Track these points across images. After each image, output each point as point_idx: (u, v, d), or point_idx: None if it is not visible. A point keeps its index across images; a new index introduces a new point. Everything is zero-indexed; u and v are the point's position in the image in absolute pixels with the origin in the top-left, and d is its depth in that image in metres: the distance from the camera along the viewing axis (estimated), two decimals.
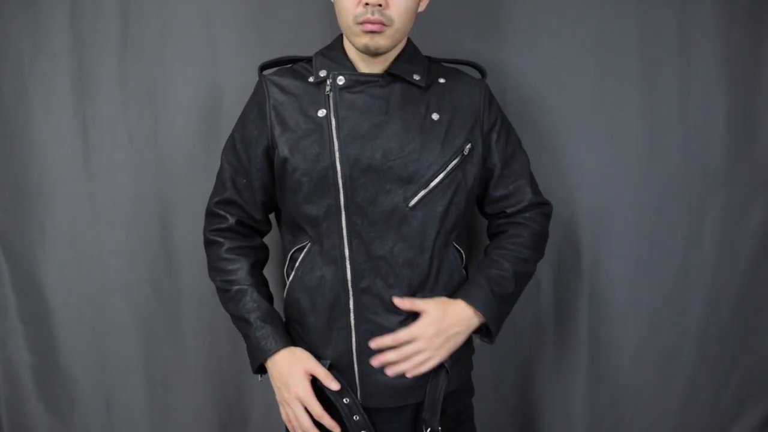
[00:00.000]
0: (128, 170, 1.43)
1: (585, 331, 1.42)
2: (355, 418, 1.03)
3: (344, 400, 1.03)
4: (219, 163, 1.28)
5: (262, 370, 1.11)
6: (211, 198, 1.17)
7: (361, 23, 0.99)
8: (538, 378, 1.47)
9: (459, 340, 1.05)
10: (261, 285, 1.13)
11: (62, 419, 1.50)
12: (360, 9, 0.98)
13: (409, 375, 1.02)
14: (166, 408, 1.50)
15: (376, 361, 1.02)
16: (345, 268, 1.03)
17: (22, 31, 1.39)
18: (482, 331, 1.08)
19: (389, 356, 1.02)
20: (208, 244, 1.16)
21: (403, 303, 1.03)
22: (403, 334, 1.01)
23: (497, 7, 1.36)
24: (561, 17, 1.35)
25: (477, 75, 1.21)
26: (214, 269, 1.14)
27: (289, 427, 1.07)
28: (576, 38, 1.35)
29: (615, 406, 1.45)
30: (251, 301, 1.08)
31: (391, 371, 1.02)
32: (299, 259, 1.08)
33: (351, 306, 1.04)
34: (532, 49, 1.36)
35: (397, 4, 0.99)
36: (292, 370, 1.03)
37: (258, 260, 1.15)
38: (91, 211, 1.44)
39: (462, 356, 1.12)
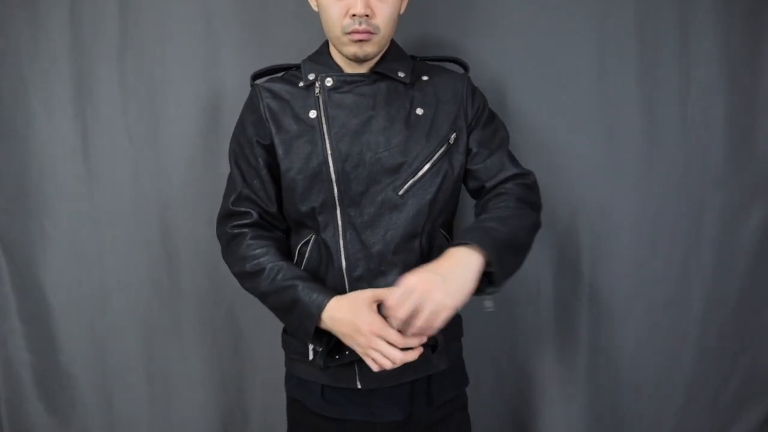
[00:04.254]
0: (128, 170, 1.43)
1: (585, 331, 1.42)
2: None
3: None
4: (219, 163, 1.28)
5: (318, 337, 1.03)
6: (225, 201, 1.16)
7: (349, 33, 1.04)
8: (538, 378, 1.47)
9: (464, 278, 0.95)
10: (293, 263, 1.10)
11: (62, 419, 1.50)
12: (347, 20, 1.03)
13: (430, 331, 0.95)
14: (166, 408, 1.50)
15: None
16: (340, 258, 1.07)
17: (22, 31, 1.39)
18: (485, 282, 0.99)
19: (399, 314, 0.93)
20: (232, 238, 1.13)
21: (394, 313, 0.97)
22: (397, 290, 0.93)
23: (496, 7, 1.36)
24: (561, 17, 1.35)
25: (460, 70, 1.21)
26: (241, 258, 1.10)
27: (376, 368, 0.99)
28: (576, 38, 1.35)
29: (615, 406, 1.45)
30: (289, 270, 1.06)
31: (414, 337, 0.95)
32: (307, 253, 1.11)
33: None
34: (532, 48, 1.36)
35: (383, 12, 1.04)
36: (356, 310, 0.97)
37: (282, 250, 1.13)
38: (91, 211, 1.44)
39: (449, 326, 1.02)
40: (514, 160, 1.16)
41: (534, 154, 1.37)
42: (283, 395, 1.22)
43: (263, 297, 1.09)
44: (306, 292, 1.02)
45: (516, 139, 1.32)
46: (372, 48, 1.06)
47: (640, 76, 1.36)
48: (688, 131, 1.38)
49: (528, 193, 1.13)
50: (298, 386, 1.17)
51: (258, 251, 1.09)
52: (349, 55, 1.07)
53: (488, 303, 1.01)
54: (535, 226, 1.11)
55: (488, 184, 1.13)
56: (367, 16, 1.02)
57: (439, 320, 0.93)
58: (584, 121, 1.37)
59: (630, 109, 1.37)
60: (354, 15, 1.02)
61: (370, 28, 1.03)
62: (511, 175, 1.13)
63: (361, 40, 1.04)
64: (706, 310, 1.43)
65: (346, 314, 0.99)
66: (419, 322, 0.93)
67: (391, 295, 0.94)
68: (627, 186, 1.39)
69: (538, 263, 1.42)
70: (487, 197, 1.14)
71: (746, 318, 1.44)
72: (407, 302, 0.92)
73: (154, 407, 1.50)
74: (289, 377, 1.20)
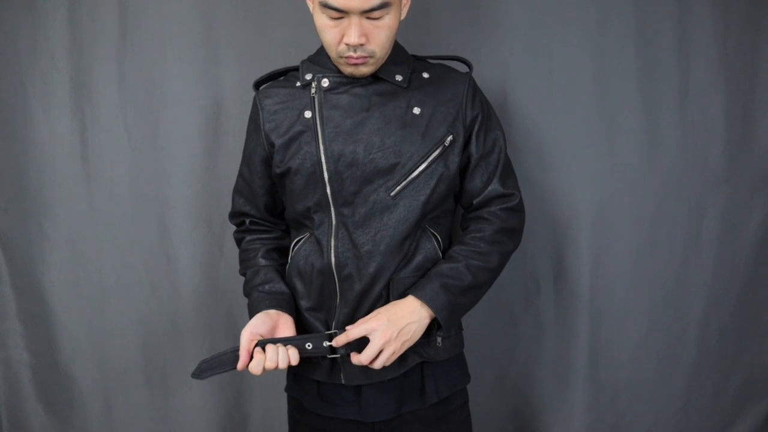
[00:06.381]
0: (127, 170, 1.43)
1: (585, 331, 1.42)
2: (308, 346, 1.05)
3: (306, 345, 1.05)
4: (218, 164, 1.29)
5: None
6: (231, 209, 1.25)
7: (345, 57, 1.03)
8: (538, 378, 1.47)
9: (414, 331, 1.05)
10: (278, 264, 1.18)
11: (61, 419, 1.50)
12: (342, 46, 1.02)
13: (375, 366, 1.04)
14: (165, 408, 1.50)
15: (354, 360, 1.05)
16: (330, 256, 1.08)
17: (21, 31, 1.39)
18: (435, 326, 1.10)
19: (358, 360, 1.04)
20: (237, 244, 1.25)
21: (348, 335, 1.05)
22: (357, 330, 1.03)
23: (497, 6, 1.36)
24: (561, 17, 1.35)
25: (464, 69, 1.20)
26: (240, 263, 1.22)
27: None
28: (575, 38, 1.35)
29: (615, 406, 1.45)
30: (259, 277, 1.15)
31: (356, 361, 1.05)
32: (297, 250, 1.14)
33: (337, 292, 1.09)
34: (532, 48, 1.36)
35: (378, 38, 1.02)
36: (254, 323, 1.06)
37: (277, 247, 1.21)
38: (90, 211, 1.44)
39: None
40: (504, 176, 1.15)
41: (534, 154, 1.38)
42: (282, 396, 1.23)
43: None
44: (255, 303, 1.10)
45: (516, 139, 1.32)
46: (368, 69, 1.06)
47: (640, 76, 1.36)
48: (688, 131, 1.38)
49: (509, 219, 1.14)
50: (295, 384, 1.18)
51: (249, 255, 1.19)
52: (346, 74, 1.07)
53: (438, 339, 1.11)
54: (507, 255, 1.15)
55: (476, 202, 1.15)
56: (362, 45, 1.01)
57: (386, 364, 1.04)
58: (584, 121, 1.37)
59: (630, 109, 1.37)
60: (348, 44, 1.01)
61: (365, 54, 1.02)
62: (497, 195, 1.14)
63: (356, 64, 1.04)
64: (706, 310, 1.43)
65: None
66: (367, 362, 1.03)
67: (351, 330, 1.03)
68: (627, 186, 1.39)
69: (538, 263, 1.43)
70: (471, 217, 1.16)
71: (746, 318, 1.44)
72: (366, 352, 1.01)
73: (152, 408, 1.50)
74: (287, 375, 1.21)
